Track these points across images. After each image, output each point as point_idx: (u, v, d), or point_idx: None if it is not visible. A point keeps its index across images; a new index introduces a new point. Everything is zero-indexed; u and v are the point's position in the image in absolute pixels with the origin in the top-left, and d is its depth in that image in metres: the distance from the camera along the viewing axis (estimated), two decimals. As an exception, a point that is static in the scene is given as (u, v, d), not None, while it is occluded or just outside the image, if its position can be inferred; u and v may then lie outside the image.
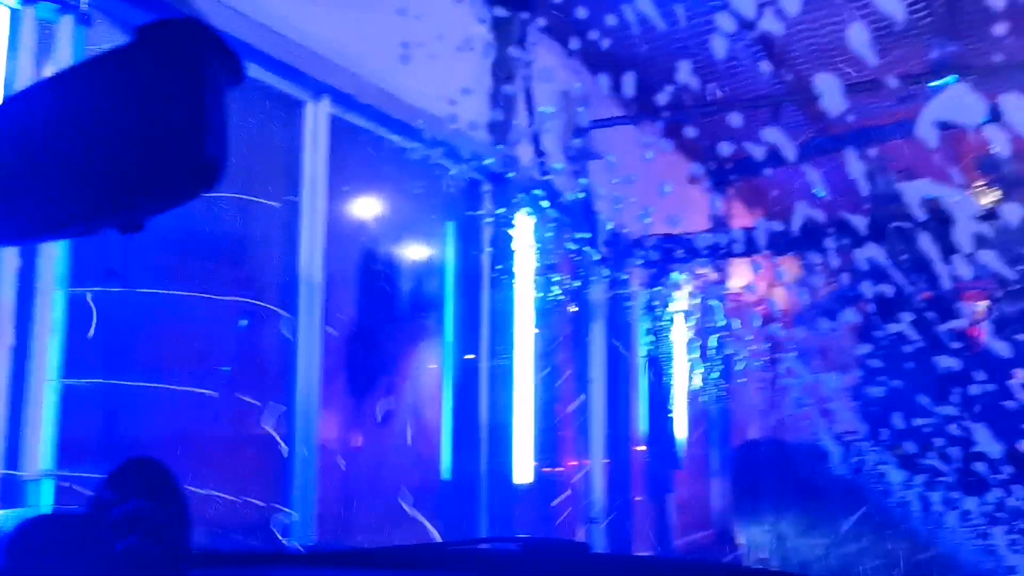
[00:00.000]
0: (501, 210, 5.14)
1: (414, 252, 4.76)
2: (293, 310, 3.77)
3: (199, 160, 0.63)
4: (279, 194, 3.79)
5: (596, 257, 6.23)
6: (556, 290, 5.91)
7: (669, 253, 6.73)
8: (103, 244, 2.93)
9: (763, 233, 6.37)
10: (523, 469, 5.03)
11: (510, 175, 5.16)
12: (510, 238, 5.19)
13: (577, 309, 6.01)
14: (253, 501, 3.41)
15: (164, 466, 0.82)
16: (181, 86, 0.65)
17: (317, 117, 3.93)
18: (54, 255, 2.71)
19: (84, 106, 0.68)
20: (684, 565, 1.54)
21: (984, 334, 6.47)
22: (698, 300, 7.86)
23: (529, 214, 5.40)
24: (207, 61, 0.65)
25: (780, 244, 6.29)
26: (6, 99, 0.72)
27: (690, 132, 6.71)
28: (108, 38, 3.01)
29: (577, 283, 6.04)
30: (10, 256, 2.57)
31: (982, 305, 6.97)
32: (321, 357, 3.84)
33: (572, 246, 5.99)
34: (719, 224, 7.78)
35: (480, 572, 1.19)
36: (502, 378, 4.99)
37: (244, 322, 3.66)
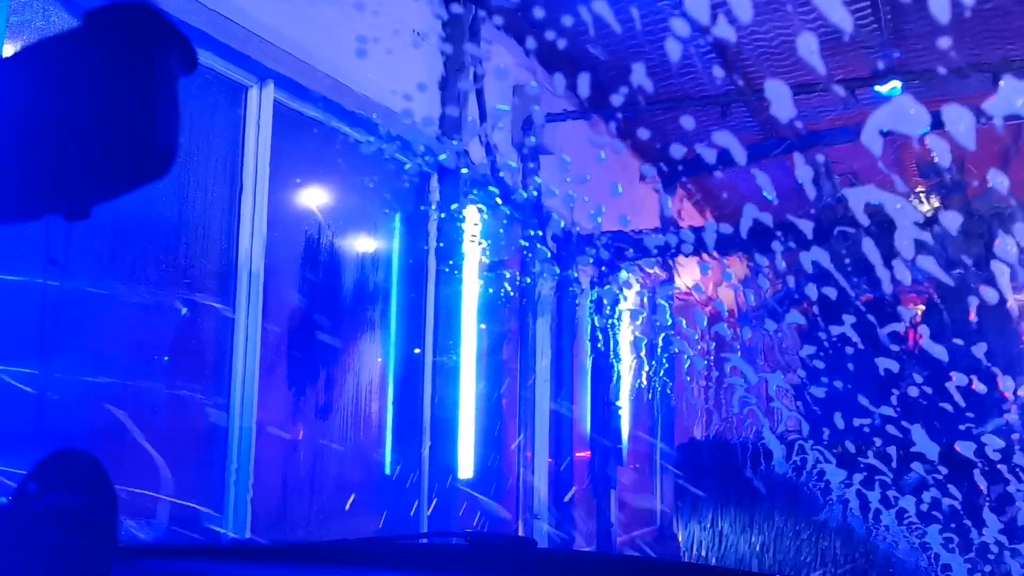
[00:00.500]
0: (454, 205, 5.13)
1: (360, 244, 4.72)
2: (232, 300, 3.71)
3: (149, 148, 0.63)
4: (220, 181, 3.73)
5: (547, 254, 6.24)
6: (507, 286, 5.92)
7: (619, 251, 6.76)
8: (33, 231, 2.85)
9: (712, 234, 6.43)
10: (466, 464, 5.02)
11: (463, 171, 5.14)
12: (459, 233, 5.18)
13: (525, 305, 6.01)
14: (182, 502, 3.36)
15: (91, 458, 0.79)
16: (132, 72, 0.64)
17: (261, 102, 3.87)
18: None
19: (30, 90, 0.67)
20: (627, 561, 1.54)
21: (922, 337, 6.62)
22: (647, 298, 7.92)
23: (480, 210, 5.40)
24: (159, 48, 0.65)
25: (728, 245, 6.35)
26: None
27: (643, 133, 6.76)
28: (37, 8, 2.94)
29: (528, 279, 6.05)
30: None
31: (921, 309, 7.13)
32: (260, 349, 3.78)
33: (524, 243, 6.00)
34: (669, 224, 7.85)
35: (425, 567, 1.17)
36: (447, 373, 4.97)
37: (185, 310, 3.60)
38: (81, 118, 0.64)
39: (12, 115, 0.67)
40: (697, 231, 6.49)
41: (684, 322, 8.12)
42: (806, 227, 5.35)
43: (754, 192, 5.85)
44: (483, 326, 5.35)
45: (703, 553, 5.49)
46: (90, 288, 3.14)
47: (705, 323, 7.96)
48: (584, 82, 6.13)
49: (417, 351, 4.88)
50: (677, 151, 7.14)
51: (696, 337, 8.35)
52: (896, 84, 5.98)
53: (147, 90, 0.64)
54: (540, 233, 6.08)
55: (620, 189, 7.10)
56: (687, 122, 6.18)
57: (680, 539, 5.67)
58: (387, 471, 4.70)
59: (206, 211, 3.67)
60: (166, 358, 3.49)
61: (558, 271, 6.48)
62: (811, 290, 5.60)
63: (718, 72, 6.84)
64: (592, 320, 6.84)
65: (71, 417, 3.08)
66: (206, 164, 3.65)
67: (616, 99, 6.03)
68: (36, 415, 2.98)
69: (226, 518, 3.56)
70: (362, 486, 4.48)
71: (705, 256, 6.97)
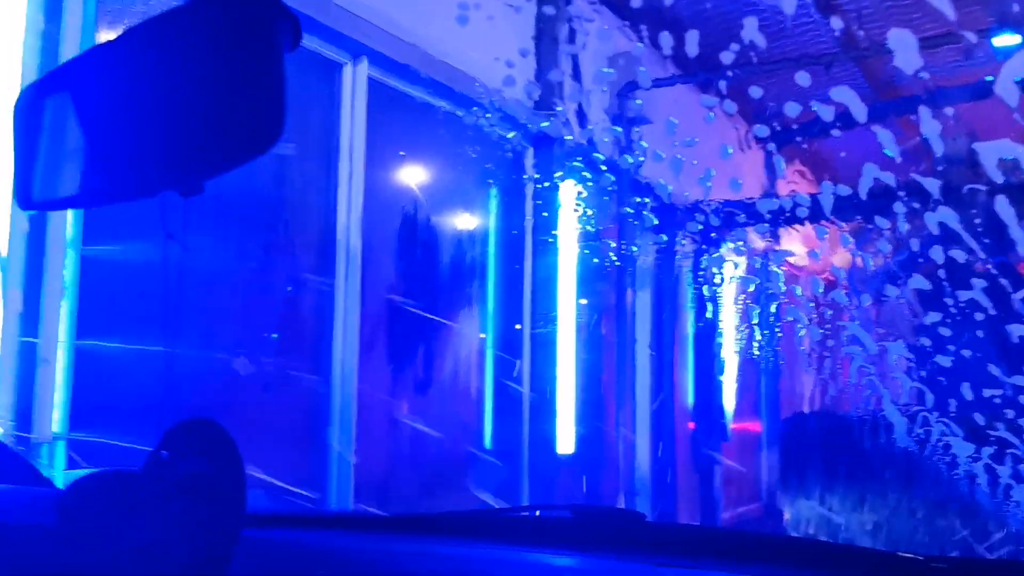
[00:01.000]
0: (558, 173, 5.04)
1: (457, 218, 4.70)
2: (331, 275, 3.76)
3: (259, 121, 0.64)
4: (317, 158, 3.76)
5: (653, 222, 6.10)
6: (612, 256, 5.81)
7: (729, 218, 6.56)
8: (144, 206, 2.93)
9: (829, 197, 6.16)
10: (565, 438, 4.98)
11: (564, 139, 5.05)
12: (557, 205, 5.09)
13: (625, 277, 5.89)
14: (287, 474, 3.44)
15: (220, 427, 0.81)
16: (241, 47, 0.65)
17: (356, 79, 3.88)
18: (66, 217, 2.68)
19: (143, 68, 0.69)
20: (741, 537, 1.48)
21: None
22: (758, 266, 7.66)
23: (580, 179, 5.29)
24: (267, 22, 0.65)
25: (847, 209, 6.09)
26: (67, 63, 0.73)
27: (752, 94, 6.49)
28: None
29: (635, 248, 5.92)
30: (20, 219, 2.57)
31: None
32: (360, 323, 3.82)
33: (629, 210, 5.86)
34: (782, 188, 7.55)
35: (531, 539, 1.16)
36: (545, 347, 4.92)
37: (290, 288, 3.67)
38: (192, 95, 0.66)
39: (126, 94, 0.68)
40: (812, 195, 6.22)
41: (799, 289, 7.83)
42: (932, 186, 5.07)
43: (873, 151, 5.55)
44: (583, 301, 5.27)
45: (811, 531, 5.30)
46: (202, 263, 3.23)
47: (821, 290, 7.65)
48: (691, 40, 5.92)
49: (518, 327, 4.85)
50: (790, 111, 6.86)
51: (811, 305, 8.05)
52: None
53: (257, 65, 0.65)
54: (645, 200, 5.94)
55: (730, 151, 6.85)
56: (801, 80, 5.90)
57: (787, 517, 5.48)
58: (487, 444, 4.72)
59: (304, 188, 3.72)
60: (275, 335, 3.57)
61: (664, 239, 6.32)
62: (936, 253, 5.32)
63: (836, 23, 6.50)
64: (696, 291, 6.66)
65: (185, 390, 3.19)
66: (303, 142, 3.69)
67: (723, 58, 5.81)
68: (153, 388, 3.10)
69: (329, 491, 3.64)
70: (462, 460, 4.51)
71: (821, 221, 6.70)
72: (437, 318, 4.46)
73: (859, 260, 7.70)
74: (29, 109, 0.77)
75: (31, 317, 2.59)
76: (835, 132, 7.12)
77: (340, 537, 1.22)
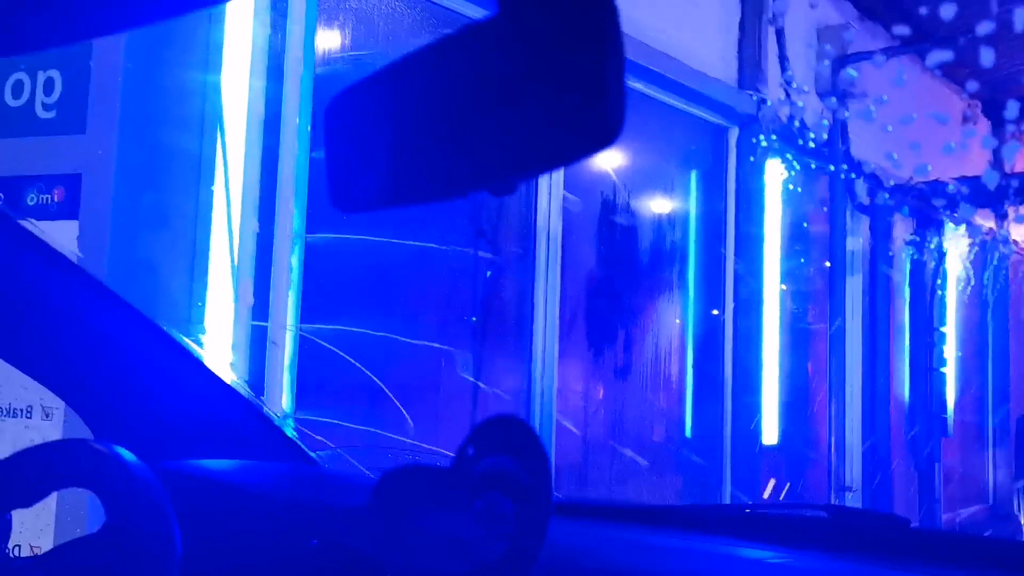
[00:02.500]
0: (762, 155, 4.85)
1: (656, 203, 4.61)
2: (532, 262, 3.77)
3: (599, 118, 0.58)
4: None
5: (866, 202, 5.76)
6: (820, 239, 5.54)
7: (952, 197, 6.11)
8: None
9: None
10: (770, 429, 4.79)
11: (772, 117, 4.85)
12: (762, 186, 4.89)
13: (833, 263, 5.59)
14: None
15: (527, 425, 0.83)
16: (583, 38, 0.59)
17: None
18: (291, 212, 2.81)
19: (457, 71, 0.66)
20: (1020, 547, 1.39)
21: None
22: (980, 249, 7.09)
23: (784, 159, 5.06)
24: (608, 10, 0.59)
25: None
26: (376, 70, 0.75)
27: (968, 69, 6.00)
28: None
29: (846, 230, 5.62)
30: (250, 218, 2.72)
31: None
32: (560, 309, 3.82)
33: (833, 195, 5.56)
34: (1002, 168, 6.95)
35: (785, 538, 1.10)
36: (748, 335, 4.75)
37: (489, 273, 3.72)
38: (527, 91, 0.61)
39: (438, 98, 0.67)
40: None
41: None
42: None
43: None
44: (784, 287, 5.04)
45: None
46: (409, 249, 3.31)
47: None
48: (899, 13, 5.55)
49: (716, 312, 4.71)
50: (1010, 84, 6.32)
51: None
52: None
53: (597, 57, 0.58)
54: (857, 179, 5.60)
55: (945, 135, 6.38)
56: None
57: (1023, 520, 5.01)
58: (687, 434, 4.61)
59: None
60: (474, 318, 3.64)
61: (871, 224, 5.97)
62: None
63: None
64: (914, 276, 6.23)
65: (394, 373, 3.30)
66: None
67: (933, 30, 5.43)
68: (367, 371, 3.21)
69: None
70: (662, 448, 4.44)
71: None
72: (636, 304, 4.39)
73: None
74: (339, 114, 0.76)
75: (261, 304, 2.75)
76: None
77: (644, 531, 1.21)
